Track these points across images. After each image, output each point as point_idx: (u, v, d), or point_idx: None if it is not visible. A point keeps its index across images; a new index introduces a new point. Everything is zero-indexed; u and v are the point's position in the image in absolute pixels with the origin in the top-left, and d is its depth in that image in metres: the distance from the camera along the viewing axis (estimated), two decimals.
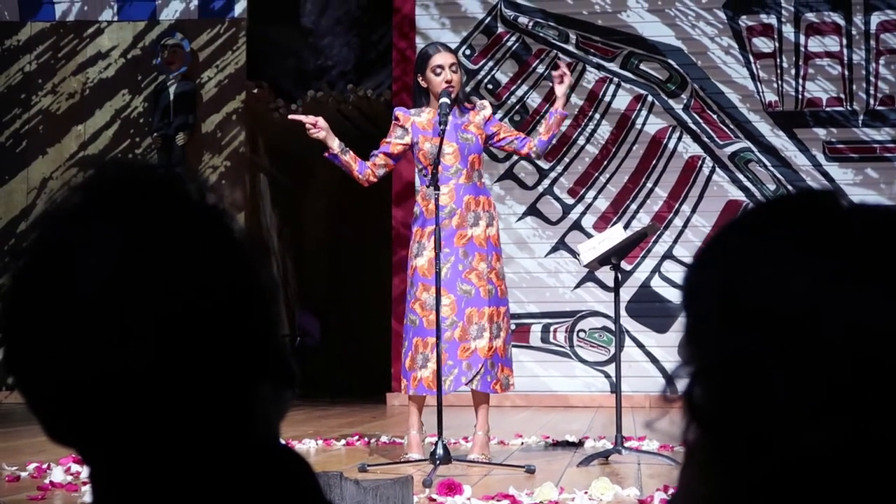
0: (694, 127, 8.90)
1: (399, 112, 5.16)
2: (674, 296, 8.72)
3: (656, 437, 4.72)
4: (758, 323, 0.76)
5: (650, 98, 8.97)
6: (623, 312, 8.20)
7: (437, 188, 4.69)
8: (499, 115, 9.00)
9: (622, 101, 8.99)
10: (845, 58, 8.85)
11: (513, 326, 5.17)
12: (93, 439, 0.87)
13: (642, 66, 9.01)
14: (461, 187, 4.94)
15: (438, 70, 4.97)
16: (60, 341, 0.84)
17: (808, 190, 0.82)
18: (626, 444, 4.85)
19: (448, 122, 4.84)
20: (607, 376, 8.60)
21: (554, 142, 5.14)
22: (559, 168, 8.97)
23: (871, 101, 8.80)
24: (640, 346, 8.67)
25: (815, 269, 0.76)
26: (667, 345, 8.62)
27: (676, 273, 8.75)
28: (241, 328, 0.86)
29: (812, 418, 0.74)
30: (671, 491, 3.63)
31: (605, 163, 8.93)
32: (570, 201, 8.93)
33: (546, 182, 8.96)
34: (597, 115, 8.99)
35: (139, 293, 0.83)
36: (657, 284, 8.75)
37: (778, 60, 8.91)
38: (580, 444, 5.51)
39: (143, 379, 0.83)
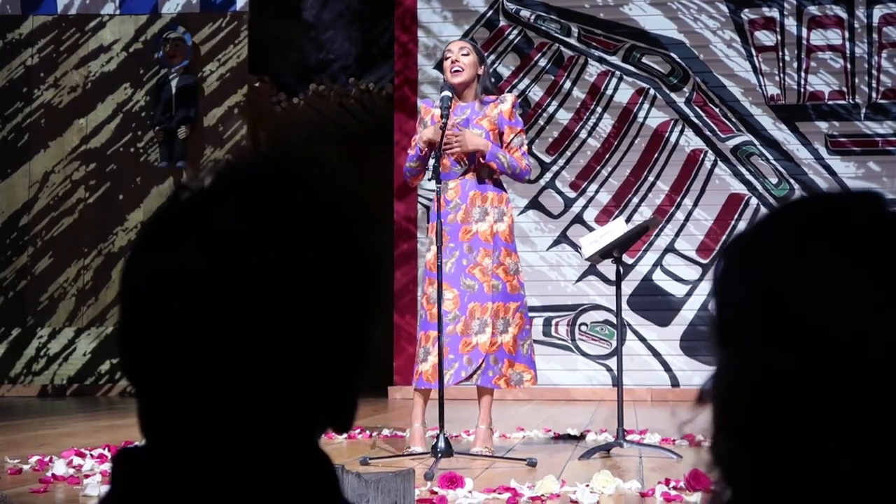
0: (696, 120, 8.90)
1: (422, 105, 5.17)
2: (676, 289, 8.72)
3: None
4: (802, 338, 0.72)
5: (652, 91, 8.96)
6: (625, 306, 8.21)
7: (438, 182, 4.68)
8: None
9: (624, 95, 8.98)
10: (847, 51, 8.84)
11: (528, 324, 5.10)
12: (160, 393, 0.86)
13: (644, 60, 9.00)
14: (467, 183, 4.90)
15: (448, 54, 4.97)
16: (168, 314, 0.83)
17: (853, 193, 0.79)
18: (628, 438, 4.85)
19: (449, 115, 4.81)
20: (609, 369, 8.60)
21: (515, 171, 4.91)
22: (561, 161, 8.97)
23: (874, 95, 8.79)
24: (642, 339, 8.67)
25: (864, 286, 0.72)
26: (668, 338, 8.62)
27: (678, 266, 8.75)
28: (339, 357, 0.86)
29: (850, 445, 0.71)
30: (672, 484, 3.63)
31: (607, 156, 8.92)
32: (572, 195, 8.93)
33: (548, 175, 8.96)
34: (598, 109, 8.98)
35: (249, 289, 0.82)
36: (659, 278, 8.75)
37: (780, 54, 8.90)
38: (582, 437, 5.51)
39: (226, 367, 0.82)
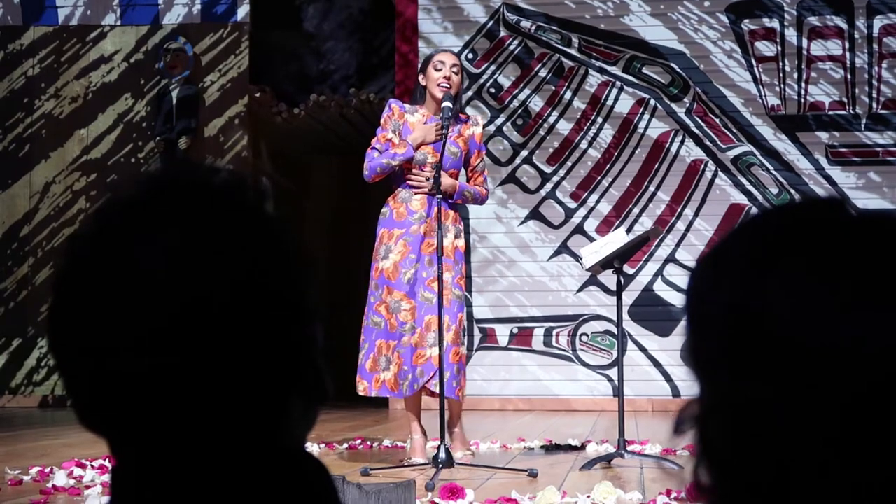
0: (696, 131, 8.90)
1: (394, 105, 5.13)
2: (676, 299, 8.71)
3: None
4: (779, 358, 0.71)
5: (652, 102, 8.97)
6: (626, 316, 8.21)
7: (440, 192, 4.68)
8: (501, 118, 9.00)
9: (624, 105, 8.99)
10: (848, 61, 8.85)
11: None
12: (124, 431, 0.87)
13: (645, 70, 9.01)
14: (433, 197, 4.91)
15: (439, 65, 4.97)
16: (105, 333, 0.84)
17: (815, 200, 0.78)
18: (629, 448, 4.85)
19: (449, 126, 4.83)
20: (610, 380, 8.60)
21: (477, 200, 5.17)
22: (561, 172, 8.97)
23: (874, 105, 8.79)
24: (643, 349, 8.66)
25: (837, 298, 0.71)
26: (669, 348, 8.61)
27: (679, 277, 8.75)
28: (281, 341, 0.87)
29: (838, 469, 0.69)
30: (674, 495, 3.62)
31: (608, 166, 8.93)
32: (573, 205, 8.93)
33: (548, 186, 8.97)
34: (599, 119, 8.99)
35: (187, 295, 0.83)
36: (660, 288, 8.75)
37: (780, 64, 8.91)
38: (582, 447, 5.50)
39: (179, 377, 0.83)
